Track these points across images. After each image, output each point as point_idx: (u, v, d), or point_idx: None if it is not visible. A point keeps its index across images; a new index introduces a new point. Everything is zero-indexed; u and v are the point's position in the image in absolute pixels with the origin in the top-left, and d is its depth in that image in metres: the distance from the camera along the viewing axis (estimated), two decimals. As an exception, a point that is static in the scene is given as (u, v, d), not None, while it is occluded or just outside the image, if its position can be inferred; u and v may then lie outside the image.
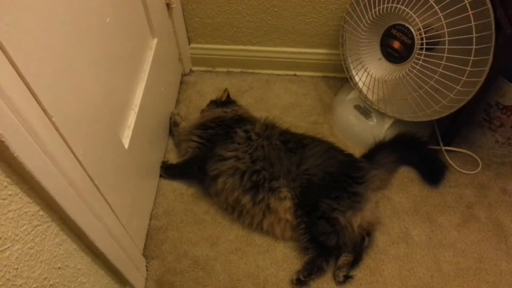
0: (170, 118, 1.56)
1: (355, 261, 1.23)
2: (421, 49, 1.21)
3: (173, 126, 1.55)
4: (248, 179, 1.25)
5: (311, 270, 1.20)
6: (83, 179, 0.83)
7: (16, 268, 0.64)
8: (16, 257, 0.64)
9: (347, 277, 1.20)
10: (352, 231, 1.20)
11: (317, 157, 1.28)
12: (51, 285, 0.75)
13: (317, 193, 1.22)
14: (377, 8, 1.26)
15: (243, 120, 1.42)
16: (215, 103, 1.54)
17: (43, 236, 0.72)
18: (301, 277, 1.19)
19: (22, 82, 0.62)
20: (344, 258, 1.21)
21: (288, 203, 1.23)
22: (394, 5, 1.21)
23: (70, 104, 0.77)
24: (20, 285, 0.65)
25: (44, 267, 0.72)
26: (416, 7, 1.17)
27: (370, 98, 1.44)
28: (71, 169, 0.77)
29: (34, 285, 0.69)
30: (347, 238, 1.21)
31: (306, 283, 1.20)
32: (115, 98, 1.07)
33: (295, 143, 1.33)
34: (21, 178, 0.64)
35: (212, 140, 1.37)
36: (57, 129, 0.72)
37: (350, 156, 1.36)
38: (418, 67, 1.22)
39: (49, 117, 0.69)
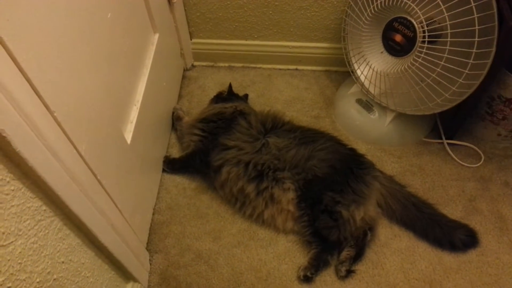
0: (173, 112, 1.56)
1: (358, 256, 1.23)
2: (423, 42, 1.20)
3: (176, 121, 1.55)
4: (253, 168, 1.26)
5: (317, 266, 1.20)
6: (86, 174, 0.84)
7: (19, 263, 0.65)
8: (20, 252, 0.65)
9: (350, 272, 1.20)
10: (354, 225, 1.20)
11: (324, 152, 1.28)
12: (54, 279, 0.75)
13: (320, 186, 1.22)
14: (379, 1, 1.25)
15: (245, 113, 1.42)
16: (221, 97, 1.55)
17: (46, 231, 0.72)
18: (308, 274, 1.19)
19: (23, 77, 0.62)
20: (346, 253, 1.22)
21: (291, 195, 1.23)
22: (396, -2, 1.20)
23: (72, 100, 0.78)
24: (24, 280, 0.66)
25: (48, 262, 0.73)
26: (418, -1, 1.17)
27: (372, 92, 1.44)
28: (74, 164, 0.77)
29: (37, 280, 0.70)
30: (348, 232, 1.21)
31: (313, 278, 1.21)
32: (117, 94, 1.07)
33: (300, 133, 1.33)
34: (23, 173, 0.64)
35: (214, 132, 1.37)
36: (59, 124, 0.72)
37: (353, 150, 1.36)
38: (420, 60, 1.22)
39: (51, 113, 0.69)
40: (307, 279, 1.20)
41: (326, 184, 1.23)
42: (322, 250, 1.22)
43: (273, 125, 1.35)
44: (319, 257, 1.21)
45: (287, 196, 1.23)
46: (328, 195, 1.21)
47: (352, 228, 1.21)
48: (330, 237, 1.21)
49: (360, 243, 1.23)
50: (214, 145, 1.35)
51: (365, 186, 1.24)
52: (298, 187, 1.23)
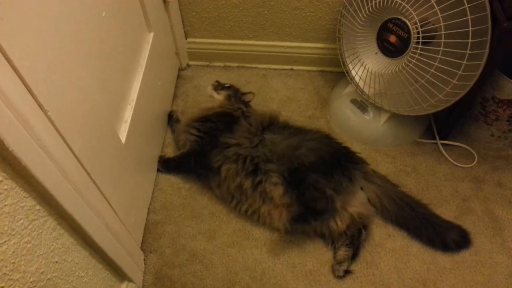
0: (169, 114, 1.56)
1: (354, 255, 1.24)
2: (417, 43, 1.21)
3: (174, 123, 1.55)
4: (250, 162, 1.26)
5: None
6: (80, 174, 0.83)
7: (13, 263, 0.64)
8: (13, 252, 0.64)
9: (348, 272, 1.21)
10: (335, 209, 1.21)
11: (314, 142, 1.28)
12: (48, 279, 0.75)
13: (306, 174, 1.21)
14: (373, 2, 1.26)
15: (248, 116, 1.43)
16: (222, 85, 1.54)
17: (40, 231, 0.72)
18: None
19: (17, 76, 0.62)
20: (344, 253, 1.22)
21: (280, 189, 1.22)
22: (391, -2, 1.21)
23: (66, 99, 0.77)
24: (17, 279, 0.66)
25: (41, 261, 0.72)
26: (413, 0, 1.17)
27: (367, 92, 1.45)
28: (68, 163, 0.77)
29: (31, 279, 0.69)
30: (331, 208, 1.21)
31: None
32: (111, 93, 1.07)
33: (295, 130, 1.34)
34: (17, 173, 0.64)
35: (210, 133, 1.37)
36: (53, 124, 0.72)
37: (346, 148, 1.36)
38: (414, 61, 1.22)
39: (44, 112, 0.69)
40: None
41: (312, 171, 1.22)
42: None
43: (270, 123, 1.36)
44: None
45: (278, 192, 1.23)
46: (312, 176, 1.20)
47: (343, 217, 1.22)
48: (318, 207, 1.18)
49: (356, 242, 1.24)
50: (213, 145, 1.34)
51: (349, 180, 1.23)
52: (284, 180, 1.22)
